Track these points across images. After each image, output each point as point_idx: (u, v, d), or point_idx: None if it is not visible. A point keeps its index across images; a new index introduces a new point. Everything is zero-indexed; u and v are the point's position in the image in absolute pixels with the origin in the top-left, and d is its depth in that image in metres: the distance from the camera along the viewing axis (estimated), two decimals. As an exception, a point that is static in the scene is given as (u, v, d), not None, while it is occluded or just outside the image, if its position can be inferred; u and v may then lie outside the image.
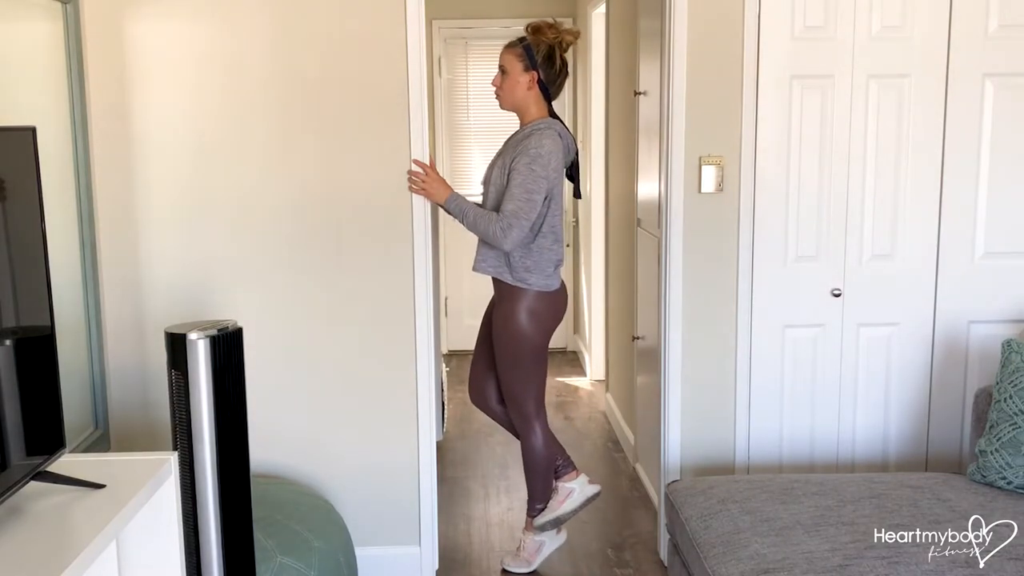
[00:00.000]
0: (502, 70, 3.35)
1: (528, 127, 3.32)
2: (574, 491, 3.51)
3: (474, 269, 3.38)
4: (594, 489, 3.55)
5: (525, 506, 3.64)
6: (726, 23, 3.25)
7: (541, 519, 3.50)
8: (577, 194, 3.49)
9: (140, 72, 3.14)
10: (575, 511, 3.53)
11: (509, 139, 3.41)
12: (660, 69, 3.40)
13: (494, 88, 3.39)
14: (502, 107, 3.41)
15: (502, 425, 3.66)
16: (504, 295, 3.38)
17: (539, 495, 3.51)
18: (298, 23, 3.16)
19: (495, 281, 3.41)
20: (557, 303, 3.40)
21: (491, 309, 3.52)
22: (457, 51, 6.55)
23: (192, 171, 3.20)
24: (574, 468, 3.55)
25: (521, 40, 3.33)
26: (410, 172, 3.22)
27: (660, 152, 3.41)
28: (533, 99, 3.33)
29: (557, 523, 3.52)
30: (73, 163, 3.04)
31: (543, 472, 3.49)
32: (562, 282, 3.43)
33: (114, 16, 3.11)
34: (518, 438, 3.54)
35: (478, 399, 3.65)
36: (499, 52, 3.37)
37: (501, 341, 3.39)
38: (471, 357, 3.69)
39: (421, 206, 3.25)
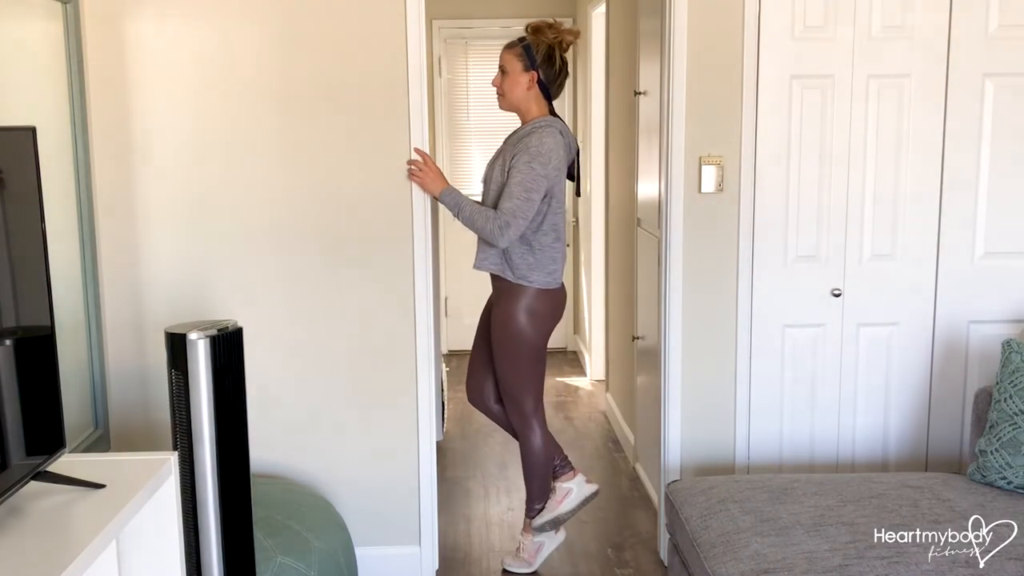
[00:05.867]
0: (502, 70, 3.35)
1: (528, 125, 3.32)
2: (572, 491, 3.51)
3: (475, 267, 3.38)
4: (592, 488, 3.55)
5: (524, 506, 3.64)
6: (726, 23, 3.25)
7: (539, 520, 3.50)
8: (578, 192, 3.50)
9: (140, 72, 3.14)
10: (573, 511, 3.53)
11: (509, 137, 3.41)
12: (660, 69, 3.40)
13: (495, 88, 3.39)
14: (502, 107, 3.41)
15: (499, 424, 3.65)
16: (503, 293, 3.37)
17: (537, 495, 3.51)
18: (298, 23, 3.16)
19: (494, 279, 3.40)
20: (556, 302, 3.40)
21: (489, 308, 3.52)
22: (457, 51, 6.55)
23: (192, 171, 3.20)
24: (572, 468, 3.55)
25: (521, 40, 3.34)
26: (409, 160, 3.22)
27: (660, 152, 3.41)
28: (533, 99, 3.34)
29: (555, 523, 3.51)
30: (73, 163, 3.04)
31: (541, 471, 3.48)
32: (561, 281, 3.43)
33: (114, 16, 3.11)
34: (515, 437, 3.54)
35: (476, 398, 3.65)
36: (499, 52, 3.38)
37: (500, 340, 3.39)
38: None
39: (421, 206, 3.25)
